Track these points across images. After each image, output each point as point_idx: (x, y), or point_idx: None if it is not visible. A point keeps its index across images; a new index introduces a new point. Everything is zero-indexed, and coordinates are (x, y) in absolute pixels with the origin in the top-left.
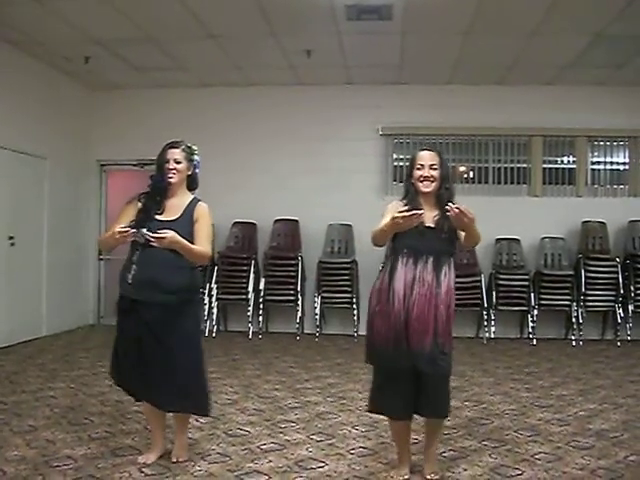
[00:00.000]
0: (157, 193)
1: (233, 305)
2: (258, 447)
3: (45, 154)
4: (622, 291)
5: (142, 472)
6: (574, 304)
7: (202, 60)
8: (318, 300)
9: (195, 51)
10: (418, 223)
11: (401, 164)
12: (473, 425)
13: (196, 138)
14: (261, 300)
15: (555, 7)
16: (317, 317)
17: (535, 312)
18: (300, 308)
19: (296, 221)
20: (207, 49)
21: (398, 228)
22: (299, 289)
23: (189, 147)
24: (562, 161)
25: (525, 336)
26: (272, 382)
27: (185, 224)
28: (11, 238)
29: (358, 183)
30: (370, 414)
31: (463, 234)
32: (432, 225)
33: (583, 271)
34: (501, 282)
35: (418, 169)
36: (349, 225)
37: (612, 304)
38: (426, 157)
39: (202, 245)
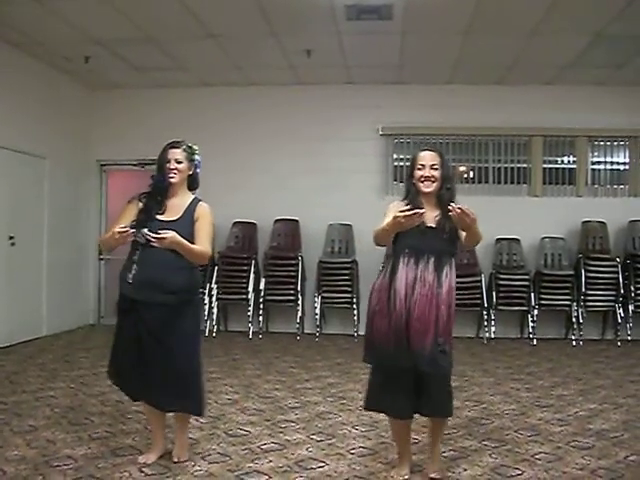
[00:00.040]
0: (158, 193)
1: (233, 305)
2: (258, 447)
3: (45, 154)
4: (622, 291)
5: (142, 472)
6: (574, 304)
7: (202, 60)
8: (318, 300)
9: (195, 51)
10: (420, 223)
11: (401, 164)
12: (473, 425)
13: (196, 138)
14: (261, 300)
15: (555, 7)
16: (317, 317)
17: (535, 312)
18: (300, 308)
19: (296, 221)
20: (207, 49)
21: (400, 227)
22: (299, 289)
23: (190, 147)
24: (562, 161)
25: (525, 336)
26: (272, 382)
27: (186, 224)
28: (11, 238)
29: (358, 183)
30: (370, 414)
31: (464, 234)
32: (433, 225)
33: (583, 271)
34: (501, 282)
35: (419, 169)
36: (349, 225)
37: (612, 304)
38: (427, 157)
39: (202, 245)
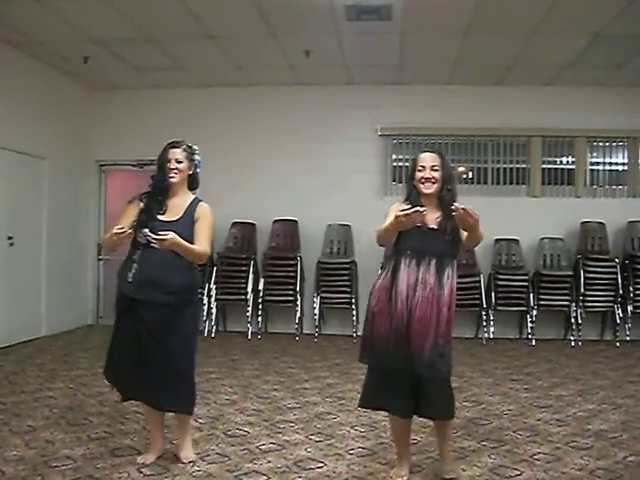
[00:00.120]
0: (159, 193)
1: (232, 305)
2: (257, 447)
3: (44, 154)
4: (621, 291)
5: (141, 472)
6: (573, 304)
7: (202, 60)
8: (317, 300)
9: (195, 51)
10: (421, 224)
11: (400, 164)
12: (472, 425)
13: (196, 138)
14: (260, 300)
15: (555, 7)
16: (316, 317)
17: (534, 312)
18: (299, 308)
19: (295, 221)
20: (207, 49)
21: (401, 227)
22: (298, 289)
23: (190, 147)
24: (561, 161)
25: (524, 336)
26: (271, 382)
27: (186, 225)
28: (10, 238)
29: (357, 183)
30: (369, 415)
31: (465, 234)
32: (435, 227)
33: (582, 271)
34: (500, 282)
35: (419, 171)
36: (348, 225)
37: (611, 304)
38: (427, 159)
39: (201, 244)
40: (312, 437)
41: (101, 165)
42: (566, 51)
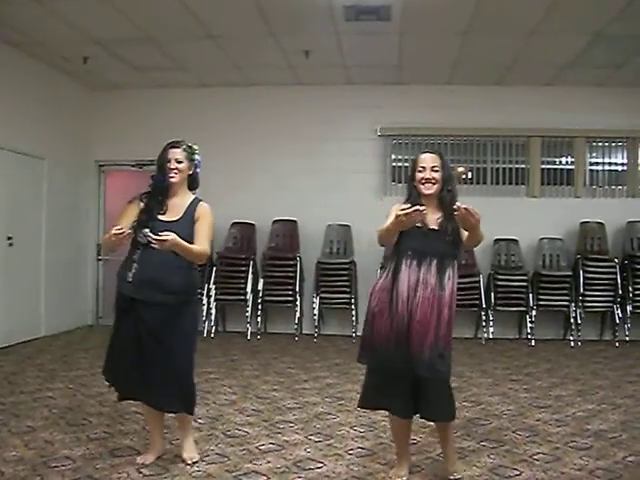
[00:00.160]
0: (159, 193)
1: (232, 306)
2: (256, 447)
3: (44, 154)
4: (620, 292)
5: (140, 472)
6: (572, 305)
7: (202, 60)
8: (317, 301)
9: (195, 51)
10: (422, 225)
11: (400, 165)
12: (471, 426)
13: (196, 138)
14: (260, 301)
15: (554, 7)
16: (315, 318)
17: (533, 313)
18: (299, 309)
19: (295, 221)
20: (207, 49)
21: (402, 226)
22: (297, 290)
23: (190, 147)
24: (560, 162)
25: (523, 337)
26: (270, 383)
27: (186, 225)
28: (9, 238)
29: (357, 183)
30: (368, 415)
31: (466, 233)
32: (436, 227)
33: (581, 272)
34: (499, 283)
35: (419, 171)
36: (348, 226)
37: (610, 305)
38: (427, 159)
39: (201, 244)
40: (311, 437)
41: (100, 165)
42: (566, 51)
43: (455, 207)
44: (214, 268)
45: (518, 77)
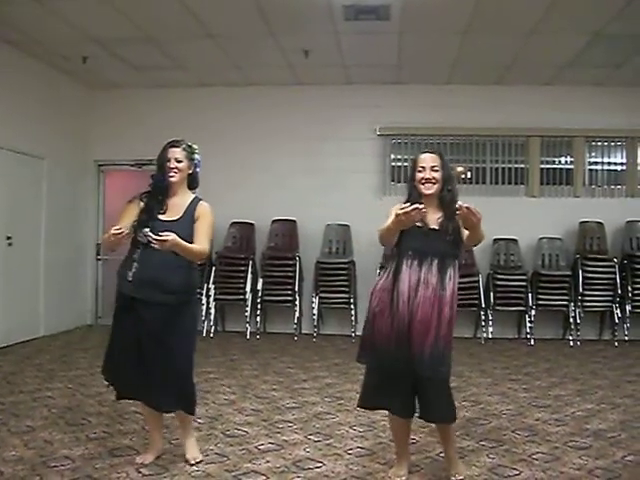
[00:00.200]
0: (159, 192)
1: (231, 305)
2: (256, 447)
3: (43, 154)
4: (620, 291)
5: (139, 472)
6: (572, 304)
7: (201, 60)
8: (316, 300)
9: (194, 51)
10: (422, 225)
11: (399, 164)
12: (471, 425)
13: (195, 137)
14: (259, 300)
15: (554, 6)
16: (315, 317)
17: (533, 312)
18: (298, 308)
19: (294, 221)
20: (206, 49)
21: (402, 225)
22: (297, 289)
23: (190, 146)
24: (560, 161)
25: (523, 336)
26: (270, 382)
27: (186, 225)
28: (9, 238)
29: (356, 183)
30: (367, 415)
31: (467, 233)
32: (436, 227)
33: (581, 271)
34: (499, 282)
35: (419, 171)
36: (347, 225)
37: (610, 304)
38: (427, 159)
39: (200, 243)
40: (311, 437)
41: (100, 165)
42: (565, 51)
43: (457, 206)
44: (213, 268)
45: (517, 77)
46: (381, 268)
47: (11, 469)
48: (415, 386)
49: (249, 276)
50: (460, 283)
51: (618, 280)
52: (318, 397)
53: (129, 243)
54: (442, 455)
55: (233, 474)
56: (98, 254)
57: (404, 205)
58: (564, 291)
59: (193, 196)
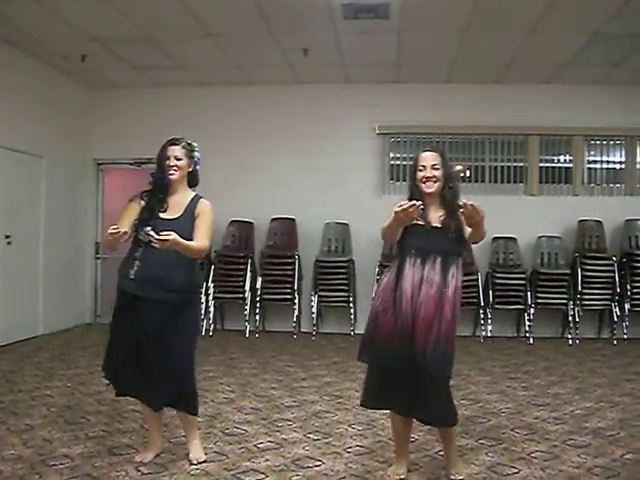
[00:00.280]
0: (159, 191)
1: (230, 304)
2: (255, 446)
3: (42, 153)
4: (618, 290)
5: (139, 471)
6: (570, 303)
7: (201, 59)
8: (315, 299)
9: (194, 50)
10: (425, 223)
11: (398, 163)
12: (470, 424)
13: (195, 136)
14: (258, 299)
15: (553, 5)
16: (314, 316)
17: (532, 311)
18: (297, 307)
19: (293, 220)
20: (206, 48)
21: (401, 222)
22: (296, 288)
23: (189, 144)
24: (559, 160)
25: (522, 335)
26: (269, 381)
27: (187, 223)
28: (7, 237)
29: (355, 182)
30: (367, 413)
31: (469, 230)
32: (439, 225)
33: (579, 270)
34: (498, 281)
35: (420, 170)
36: (346, 224)
37: (608, 303)
38: (428, 158)
39: (200, 240)
40: (310, 435)
41: (99, 164)
42: (564, 50)
43: (461, 204)
44: (212, 266)
45: (516, 75)
46: (380, 267)
47: (10, 468)
48: (416, 387)
49: (248, 275)
50: None
51: (617, 278)
52: (317, 395)
53: (131, 241)
54: (441, 454)
55: (232, 473)
56: (97, 253)
57: (403, 202)
58: (563, 289)
59: (193, 194)
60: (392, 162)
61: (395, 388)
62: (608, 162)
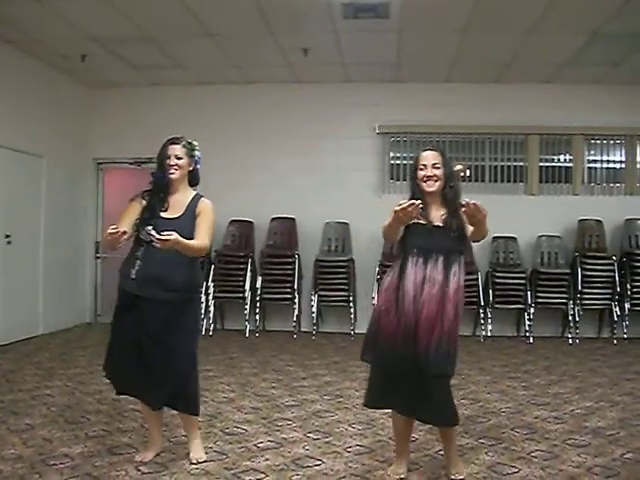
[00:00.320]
0: (160, 190)
1: (230, 303)
2: (255, 445)
3: (42, 152)
4: (618, 289)
5: (139, 470)
6: (570, 302)
7: (201, 59)
8: (315, 298)
9: (194, 50)
10: (427, 222)
11: (398, 162)
12: (470, 423)
13: (194, 136)
14: (258, 298)
15: (553, 5)
16: (314, 315)
17: (532, 310)
18: (297, 306)
19: (293, 219)
20: (206, 48)
21: (400, 221)
22: (296, 287)
23: (190, 143)
24: (559, 159)
25: (522, 334)
26: (269, 380)
27: (188, 222)
28: (7, 236)
29: (355, 181)
30: (367, 412)
31: (471, 228)
32: (440, 224)
33: (579, 269)
34: (498, 280)
35: (421, 169)
36: (346, 223)
37: (608, 302)
38: (428, 157)
39: (201, 239)
40: (310, 435)
41: (99, 163)
42: (564, 49)
43: (464, 203)
44: (212, 266)
45: (516, 75)
46: (380, 266)
47: (10, 467)
48: (418, 387)
49: (248, 274)
50: None
51: (617, 278)
52: (317, 395)
53: (132, 241)
54: (441, 453)
55: (232, 472)
56: (97, 252)
57: (402, 201)
58: (563, 289)
59: (194, 193)
60: (392, 161)
61: (398, 388)
62: (608, 161)
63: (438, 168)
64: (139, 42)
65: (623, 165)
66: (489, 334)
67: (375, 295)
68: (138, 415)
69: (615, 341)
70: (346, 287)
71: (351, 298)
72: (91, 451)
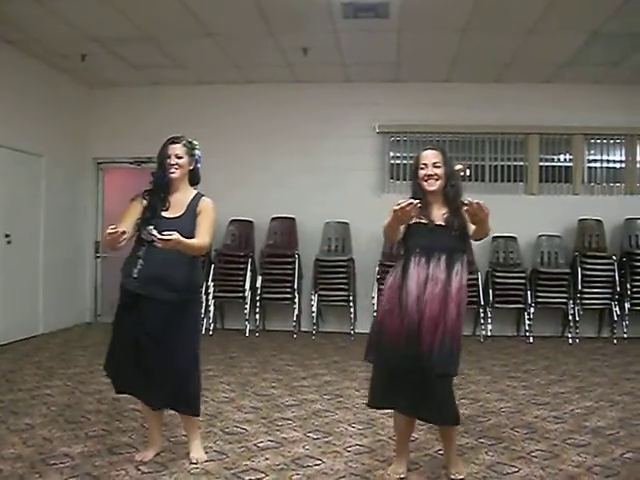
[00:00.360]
0: (160, 189)
1: (230, 303)
2: (255, 445)
3: (42, 152)
4: (618, 289)
5: (139, 470)
6: (571, 302)
7: (201, 58)
8: (315, 298)
9: (194, 49)
10: (428, 222)
11: (398, 162)
12: (470, 423)
13: (194, 135)
14: (258, 298)
15: (553, 5)
16: (314, 315)
17: (532, 310)
18: (297, 306)
19: (293, 219)
20: (206, 48)
21: (399, 220)
22: (296, 287)
23: (190, 142)
24: (559, 159)
25: (522, 334)
26: (269, 380)
27: (188, 221)
28: (7, 236)
29: (355, 181)
30: (367, 412)
31: (473, 227)
32: (442, 223)
33: (580, 269)
34: (498, 280)
35: (422, 168)
36: (346, 223)
37: (608, 302)
38: (429, 156)
39: (201, 238)
40: (310, 434)
41: (99, 163)
42: (564, 49)
43: (466, 202)
44: (212, 265)
45: (516, 75)
46: (380, 266)
47: (10, 467)
48: (421, 387)
49: (248, 274)
50: None
51: (617, 278)
52: (317, 395)
53: (134, 241)
54: (441, 453)
55: (232, 472)
56: (97, 252)
57: (401, 201)
58: (563, 289)
59: (195, 192)
60: (392, 161)
61: (401, 388)
62: (608, 161)
63: (439, 167)
64: (139, 42)
65: (623, 165)
66: (489, 334)
67: (375, 295)
68: (138, 415)
69: (615, 341)
70: (346, 287)
71: (351, 298)
72: (91, 451)
